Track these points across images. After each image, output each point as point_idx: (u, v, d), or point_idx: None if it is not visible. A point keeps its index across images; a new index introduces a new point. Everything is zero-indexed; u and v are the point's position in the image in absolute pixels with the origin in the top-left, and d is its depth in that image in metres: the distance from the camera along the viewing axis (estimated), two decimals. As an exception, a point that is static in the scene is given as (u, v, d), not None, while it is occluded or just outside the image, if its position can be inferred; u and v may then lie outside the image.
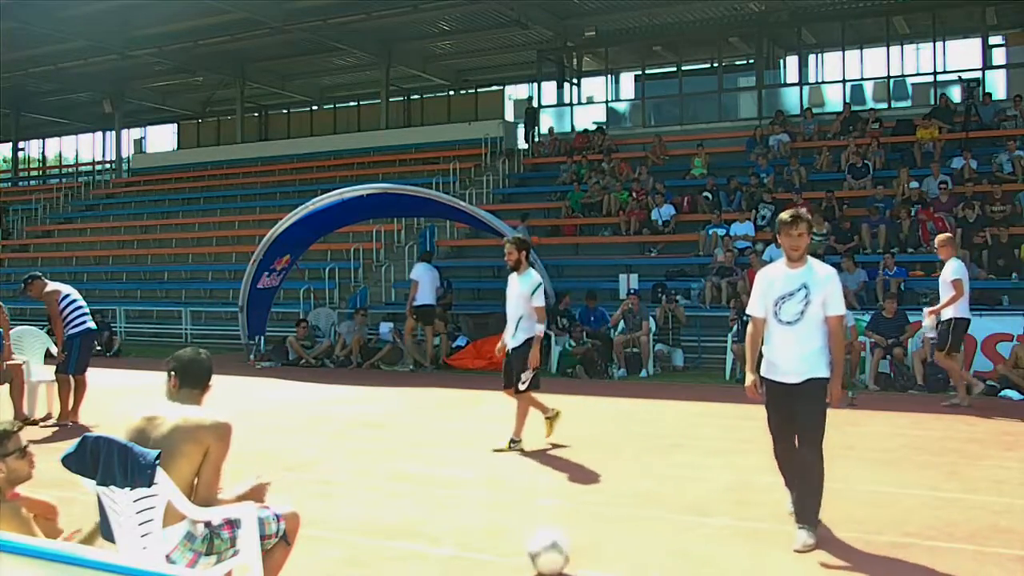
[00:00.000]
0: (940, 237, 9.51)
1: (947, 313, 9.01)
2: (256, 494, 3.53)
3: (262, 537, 3.41)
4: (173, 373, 3.53)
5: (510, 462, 6.87)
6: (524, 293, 7.16)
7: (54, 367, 8.75)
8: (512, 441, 7.24)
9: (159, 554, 3.20)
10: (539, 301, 7.19)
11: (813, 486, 4.69)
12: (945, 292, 8.97)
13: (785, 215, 4.77)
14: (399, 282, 16.76)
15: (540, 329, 7.26)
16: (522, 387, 7.21)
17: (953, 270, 8.98)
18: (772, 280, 4.79)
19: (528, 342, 7.19)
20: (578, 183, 18.04)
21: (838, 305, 4.67)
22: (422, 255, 14.67)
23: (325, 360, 14.05)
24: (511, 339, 7.29)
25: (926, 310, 9.60)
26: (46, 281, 8.78)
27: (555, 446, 7.34)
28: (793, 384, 4.65)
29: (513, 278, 7.33)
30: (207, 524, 3.31)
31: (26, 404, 8.73)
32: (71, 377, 8.63)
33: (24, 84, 28.02)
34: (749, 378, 4.85)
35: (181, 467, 3.26)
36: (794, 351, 4.67)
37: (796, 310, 4.64)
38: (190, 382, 3.52)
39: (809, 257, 4.75)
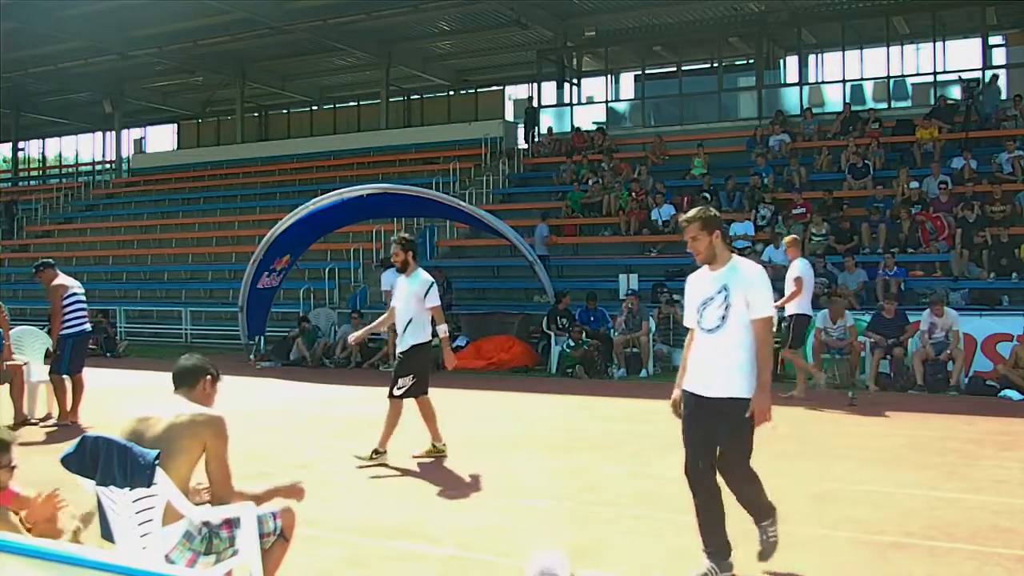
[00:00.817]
0: (787, 238, 10.57)
1: (789, 309, 9.71)
2: (291, 493, 3.57)
3: (260, 535, 3.41)
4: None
5: (510, 462, 6.87)
6: (416, 293, 6.85)
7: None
8: (375, 452, 6.78)
9: (158, 554, 3.21)
10: (433, 301, 6.90)
11: (752, 504, 4.30)
12: (789, 289, 9.69)
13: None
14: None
15: (443, 330, 7.01)
16: (397, 392, 6.86)
17: (797, 269, 9.78)
18: (695, 285, 4.33)
19: (416, 347, 6.88)
20: (578, 183, 18.04)
21: (763, 307, 4.13)
22: (383, 262, 14.25)
23: (325, 360, 14.05)
24: (399, 342, 6.97)
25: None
26: (57, 272, 8.71)
27: (428, 456, 6.99)
28: (711, 398, 4.13)
29: (401, 280, 7.04)
30: (206, 524, 3.31)
31: (26, 404, 8.72)
32: (65, 377, 8.60)
33: (24, 84, 28.03)
34: (674, 394, 4.34)
35: (179, 465, 3.27)
36: (714, 362, 4.15)
37: (717, 315, 4.13)
38: (181, 384, 3.58)
39: (735, 257, 4.29)
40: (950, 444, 7.37)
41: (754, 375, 4.09)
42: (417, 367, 6.95)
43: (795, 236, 10.91)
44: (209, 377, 3.63)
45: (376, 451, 6.82)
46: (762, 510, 4.33)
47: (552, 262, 15.89)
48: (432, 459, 6.93)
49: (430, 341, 7.04)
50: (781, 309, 9.49)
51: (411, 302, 6.90)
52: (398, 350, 7.03)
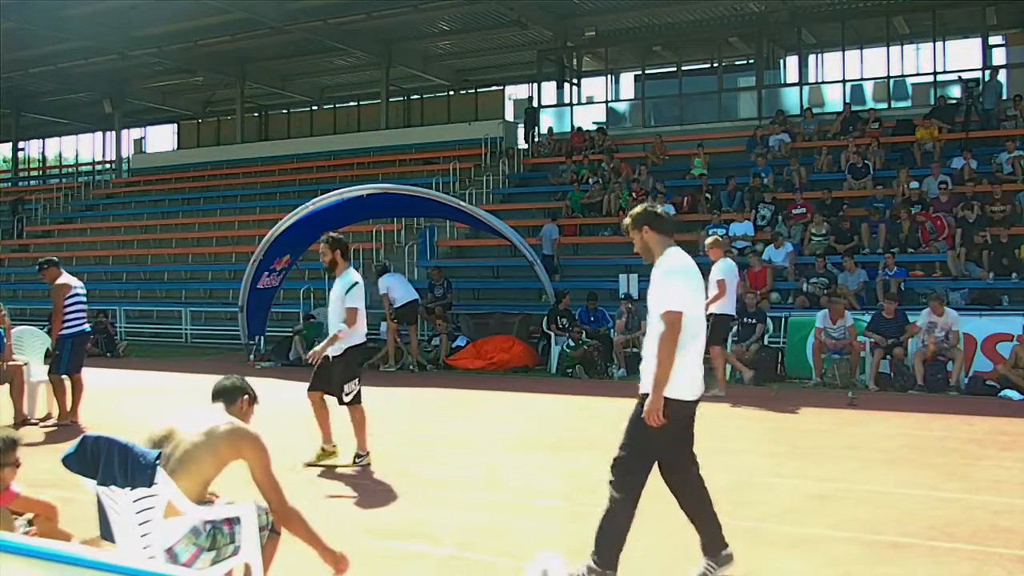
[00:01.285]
0: (708, 240, 10.73)
1: (712, 309, 9.64)
2: (334, 561, 3.53)
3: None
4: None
5: (510, 462, 6.87)
6: (340, 295, 6.66)
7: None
8: (357, 456, 6.70)
9: (162, 547, 3.22)
10: (352, 302, 6.61)
11: (602, 523, 4.07)
12: (712, 290, 9.71)
13: None
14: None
15: (338, 330, 6.61)
16: (347, 399, 6.66)
17: (720, 270, 9.95)
18: None
19: (351, 349, 6.68)
20: (578, 183, 18.04)
21: (662, 300, 3.97)
22: (377, 268, 14.29)
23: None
24: (333, 346, 6.70)
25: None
26: (61, 271, 8.68)
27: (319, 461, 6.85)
28: (642, 395, 4.07)
29: (337, 281, 6.81)
30: (209, 520, 3.33)
31: (26, 404, 8.72)
32: (64, 377, 8.58)
33: (24, 84, 28.02)
34: None
35: (206, 468, 3.36)
36: (644, 358, 4.14)
37: (651, 313, 4.11)
38: (220, 398, 3.68)
39: (668, 251, 4.14)
40: (950, 444, 7.37)
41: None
42: (358, 370, 6.77)
43: (716, 237, 11.02)
44: (247, 397, 3.72)
45: (358, 455, 6.73)
46: (602, 547, 4.04)
47: (559, 262, 15.87)
48: (323, 466, 6.68)
49: (364, 343, 6.90)
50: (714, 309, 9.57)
51: (337, 304, 6.71)
52: (332, 354, 6.69)
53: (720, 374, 10.14)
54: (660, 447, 4.07)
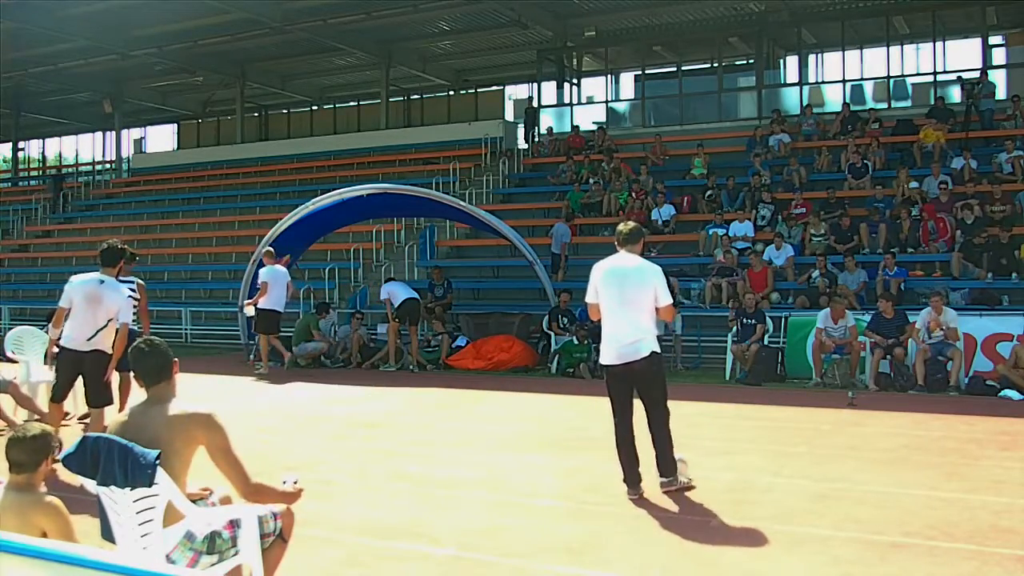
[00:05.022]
0: (265, 250, 13.34)
1: (261, 304, 12.71)
2: (290, 498, 3.53)
3: (260, 536, 3.41)
4: (135, 374, 3.49)
5: (510, 462, 6.87)
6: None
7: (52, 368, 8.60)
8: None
9: (159, 554, 3.21)
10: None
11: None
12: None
13: None
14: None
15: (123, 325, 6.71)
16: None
17: (264, 275, 12.79)
18: None
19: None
20: (578, 183, 18.04)
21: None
22: (387, 280, 14.44)
23: (324, 360, 14.04)
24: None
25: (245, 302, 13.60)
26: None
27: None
28: None
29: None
30: (208, 524, 3.31)
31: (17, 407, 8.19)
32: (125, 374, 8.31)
33: (24, 84, 28.02)
34: None
35: (173, 465, 3.24)
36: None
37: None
38: (152, 379, 3.45)
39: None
40: (950, 444, 7.36)
41: None
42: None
43: (269, 248, 13.42)
44: (176, 362, 3.55)
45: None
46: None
47: (568, 263, 15.80)
48: None
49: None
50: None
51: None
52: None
53: (266, 356, 12.75)
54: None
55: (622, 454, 5.72)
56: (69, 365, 6.71)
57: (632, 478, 5.65)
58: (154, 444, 3.19)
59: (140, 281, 8.62)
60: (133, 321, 7.84)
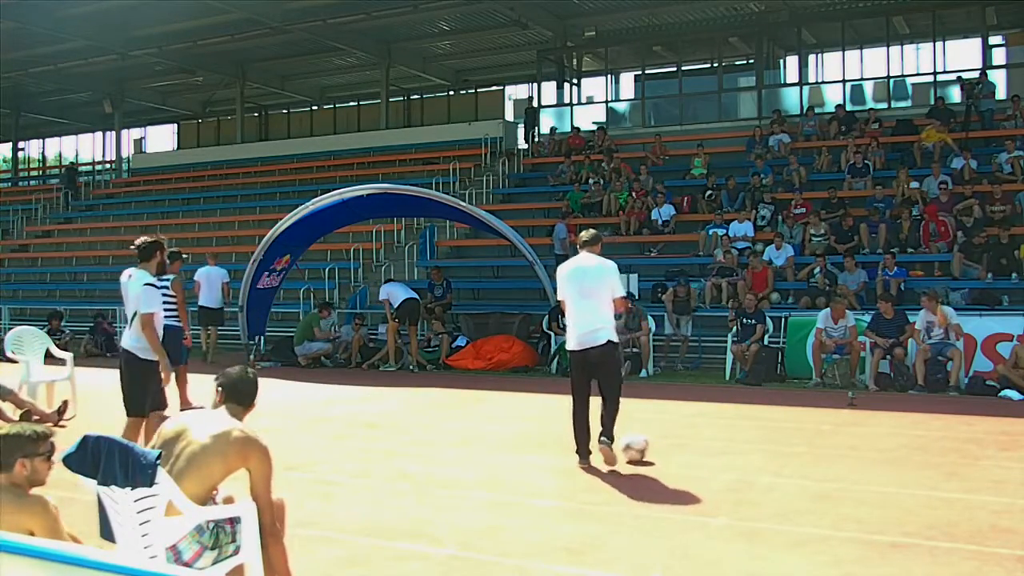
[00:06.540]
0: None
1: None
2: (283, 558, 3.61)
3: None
4: (220, 388, 3.70)
5: (510, 462, 6.87)
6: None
7: (55, 367, 8.63)
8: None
9: (165, 544, 3.23)
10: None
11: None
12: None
13: None
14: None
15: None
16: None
17: (198, 274, 14.07)
18: None
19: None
20: (578, 183, 18.04)
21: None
22: (386, 281, 14.59)
23: (325, 360, 14.05)
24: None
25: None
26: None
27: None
28: None
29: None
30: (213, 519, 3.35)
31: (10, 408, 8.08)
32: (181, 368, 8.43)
33: (24, 84, 28.03)
34: None
35: (214, 472, 3.38)
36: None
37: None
38: (235, 399, 3.69)
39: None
40: (950, 444, 7.36)
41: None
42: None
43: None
44: (254, 406, 3.83)
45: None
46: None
47: (552, 262, 15.79)
48: None
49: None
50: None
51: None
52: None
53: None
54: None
55: (577, 428, 6.47)
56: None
57: (583, 451, 6.45)
58: (209, 441, 3.36)
59: (176, 278, 8.67)
60: (172, 317, 7.99)
